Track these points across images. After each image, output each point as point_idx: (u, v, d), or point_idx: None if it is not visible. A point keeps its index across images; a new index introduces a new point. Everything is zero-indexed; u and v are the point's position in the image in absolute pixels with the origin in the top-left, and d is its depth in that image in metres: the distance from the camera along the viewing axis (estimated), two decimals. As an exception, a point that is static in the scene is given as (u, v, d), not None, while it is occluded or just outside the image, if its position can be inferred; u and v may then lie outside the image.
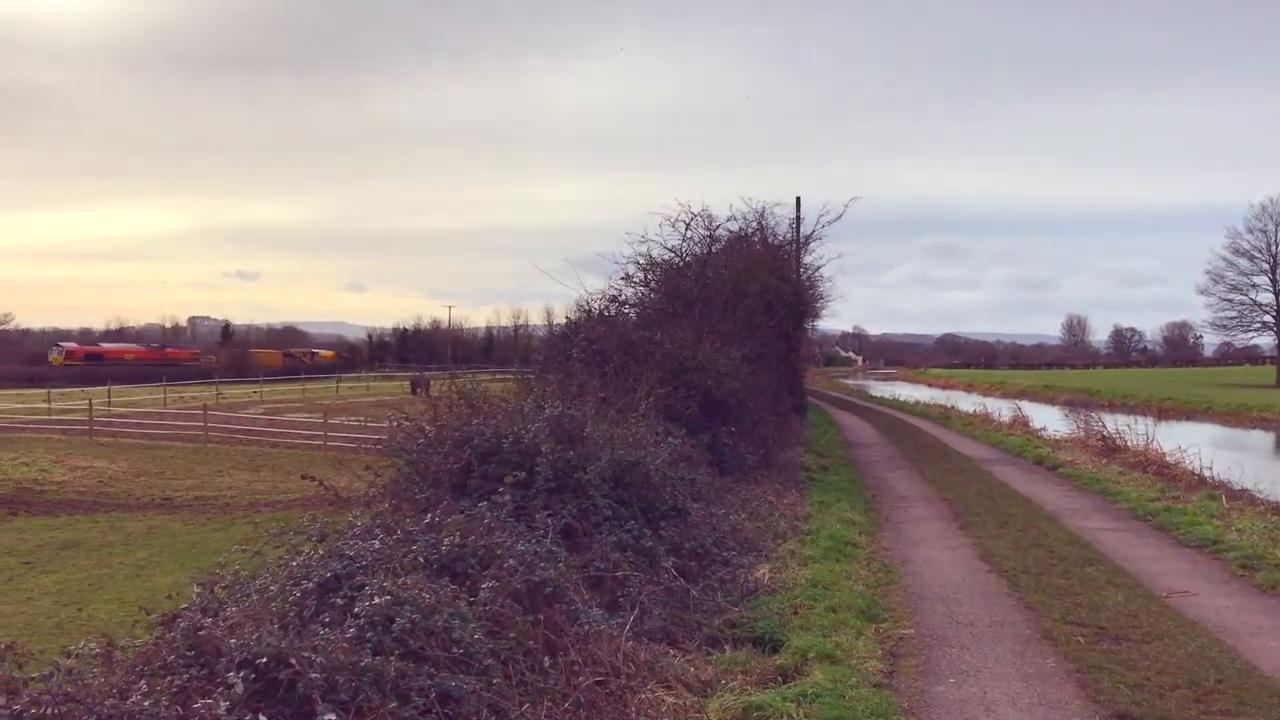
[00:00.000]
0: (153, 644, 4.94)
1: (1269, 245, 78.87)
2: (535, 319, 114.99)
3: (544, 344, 21.48)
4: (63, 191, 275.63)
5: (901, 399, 59.49)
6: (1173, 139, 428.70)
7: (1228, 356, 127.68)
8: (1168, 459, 20.76)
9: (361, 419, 34.80)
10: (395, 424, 10.54)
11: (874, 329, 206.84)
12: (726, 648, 7.68)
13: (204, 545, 16.83)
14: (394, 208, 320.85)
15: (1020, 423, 32.92)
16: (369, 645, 5.22)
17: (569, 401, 10.59)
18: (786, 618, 8.45)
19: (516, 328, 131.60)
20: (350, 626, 5.34)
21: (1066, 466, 20.64)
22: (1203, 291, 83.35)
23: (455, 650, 5.53)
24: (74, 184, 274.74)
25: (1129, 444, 23.05)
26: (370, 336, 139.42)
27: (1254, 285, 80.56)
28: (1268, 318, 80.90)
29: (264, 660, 4.63)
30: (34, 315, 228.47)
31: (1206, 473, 19.23)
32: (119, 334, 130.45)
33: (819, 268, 37.80)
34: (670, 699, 6.28)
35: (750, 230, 28.79)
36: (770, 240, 30.85)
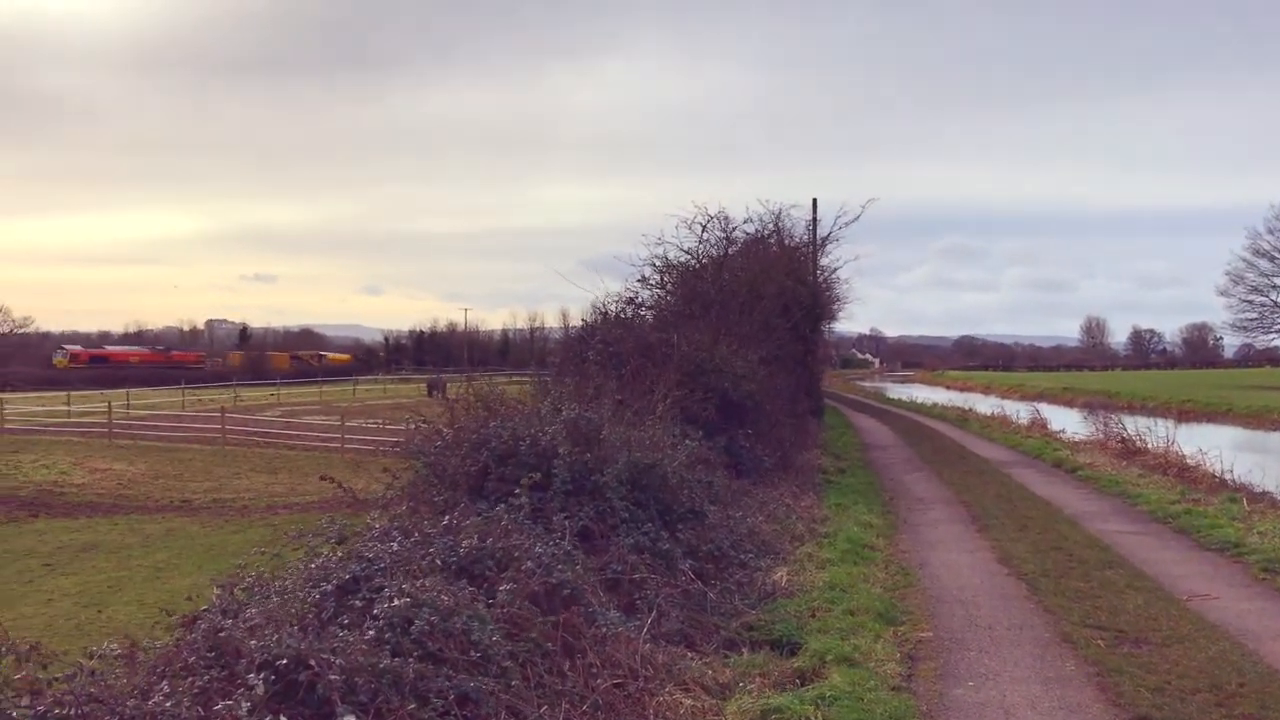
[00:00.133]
0: (173, 645, 4.96)
1: (1289, 246, 78.31)
2: (551, 321, 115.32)
3: (560, 346, 21.53)
4: (82, 195, 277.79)
5: (919, 401, 59.29)
6: (1192, 140, 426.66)
7: (1248, 358, 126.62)
8: (1188, 461, 20.61)
9: (380, 421, 34.92)
10: (413, 426, 10.57)
11: (891, 331, 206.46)
12: (744, 650, 7.66)
13: (222, 547, 16.91)
14: (411, 210, 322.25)
15: (1039, 425, 32.74)
16: (388, 647, 5.23)
17: (586, 404, 10.59)
18: (804, 620, 8.43)
19: (532, 330, 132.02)
20: (369, 628, 5.36)
21: (1086, 469, 20.53)
22: (1223, 293, 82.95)
23: (473, 652, 5.54)
24: (93, 188, 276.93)
25: (1149, 446, 22.90)
26: (387, 339, 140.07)
27: (1274, 286, 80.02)
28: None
29: (284, 662, 4.64)
30: (53, 318, 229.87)
31: (1227, 475, 19.08)
32: (137, 337, 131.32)
33: (836, 269, 37.79)
34: (688, 701, 6.27)
35: (767, 232, 28.81)
36: (787, 242, 30.84)
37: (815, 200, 35.72)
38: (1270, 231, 78.76)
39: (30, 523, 20.70)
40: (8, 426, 36.82)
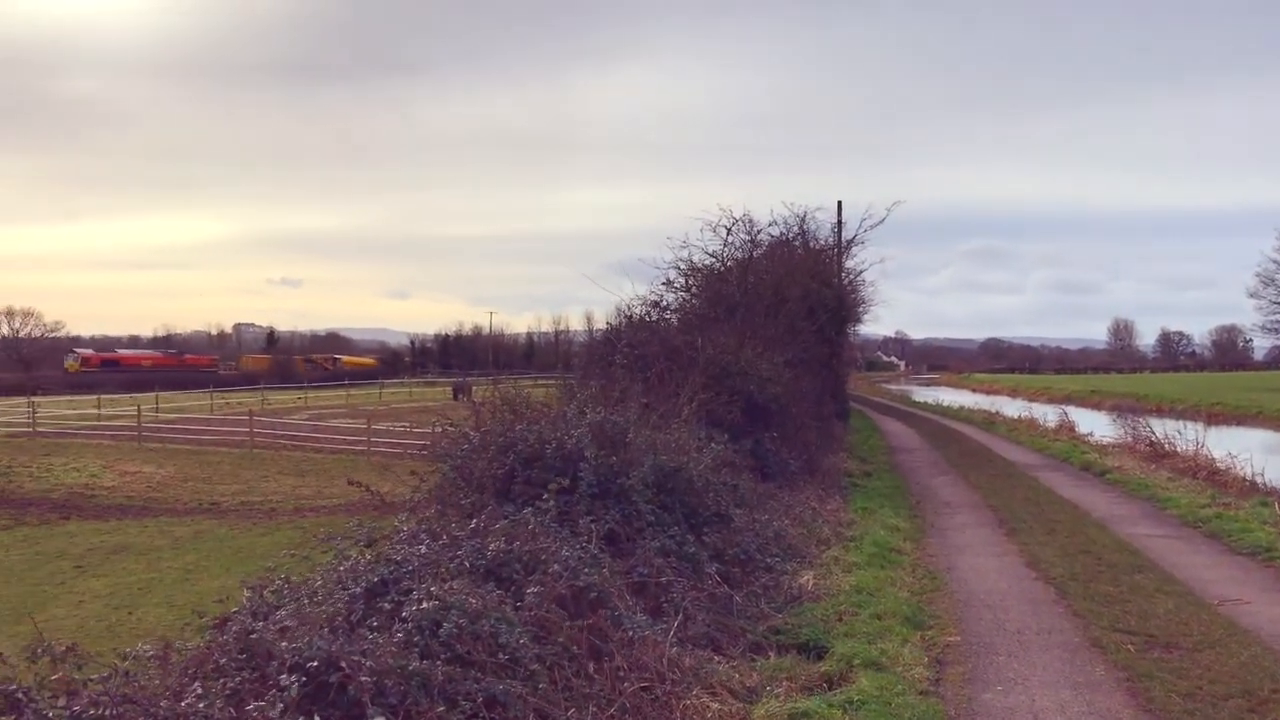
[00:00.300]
0: (205, 647, 5.01)
1: (1321, 247, 77.41)
2: (576, 324, 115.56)
3: (585, 349, 21.57)
4: (112, 200, 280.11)
5: (945, 404, 58.98)
6: (1221, 140, 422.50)
7: (1279, 360, 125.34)
8: (1218, 465, 20.42)
9: (407, 425, 35.08)
10: (439, 430, 10.61)
11: (916, 334, 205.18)
12: (771, 654, 7.65)
13: (250, 550, 17.05)
14: (437, 215, 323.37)
15: (1066, 428, 32.52)
16: (416, 649, 5.26)
17: (611, 407, 10.60)
18: (831, 624, 8.41)
19: (557, 333, 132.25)
20: (398, 631, 5.39)
21: (1114, 472, 20.37)
22: (1252, 294, 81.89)
23: (501, 655, 5.56)
24: (124, 193, 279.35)
25: (1178, 449, 22.70)
26: (413, 343, 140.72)
27: (1305, 287, 79.05)
28: (1320, 321, 79.45)
29: (315, 664, 4.68)
30: (84, 323, 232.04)
31: (1258, 479, 18.88)
32: (166, 340, 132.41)
33: (861, 272, 37.76)
34: (715, 705, 6.27)
35: (791, 235, 28.80)
36: (812, 245, 30.81)
37: (840, 203, 35.77)
38: (1302, 232, 77.86)
39: (62, 525, 20.95)
40: (39, 430, 37.20)
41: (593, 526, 8.02)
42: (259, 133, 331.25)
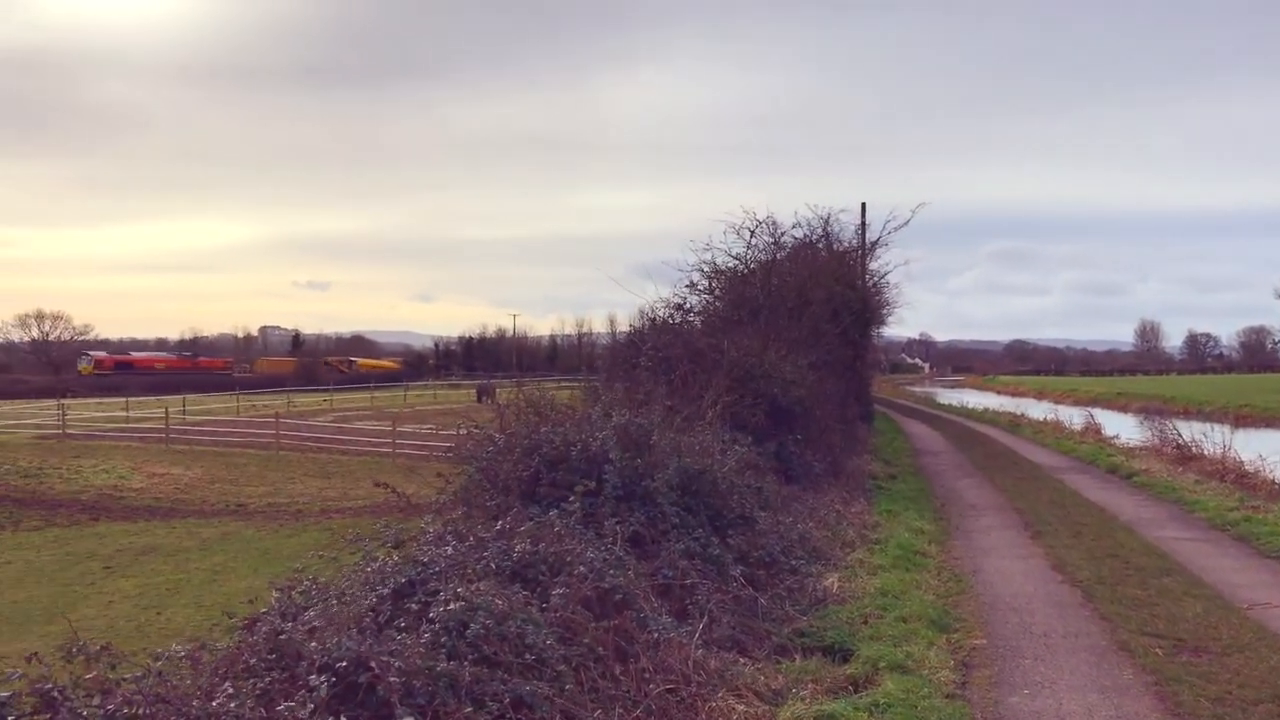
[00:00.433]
0: (235, 647, 5.06)
1: (1351, 247, 76.58)
2: (599, 327, 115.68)
3: (608, 352, 21.57)
4: (141, 204, 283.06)
5: (970, 406, 58.72)
6: (1249, 140, 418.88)
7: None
8: (1246, 467, 20.22)
9: (433, 427, 35.21)
10: (465, 432, 10.66)
11: (941, 336, 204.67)
12: (796, 657, 7.65)
13: (277, 551, 17.16)
14: (461, 218, 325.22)
15: (1092, 430, 32.30)
16: (444, 650, 5.30)
17: (635, 410, 10.62)
18: (856, 627, 8.40)
19: (580, 336, 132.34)
20: (425, 632, 5.43)
21: (1141, 475, 20.22)
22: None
23: (528, 656, 5.59)
24: (152, 197, 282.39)
25: (1205, 452, 22.50)
26: (437, 345, 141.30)
27: (1336, 289, 78.26)
28: (1350, 322, 78.57)
29: (344, 664, 4.72)
30: (112, 326, 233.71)
31: (1288, 482, 18.70)
32: (192, 343, 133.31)
33: (885, 274, 37.54)
34: (741, 707, 6.28)
35: (815, 237, 28.70)
36: (835, 247, 30.70)
37: (864, 204, 35.60)
38: (1332, 233, 76.99)
39: (91, 526, 21.15)
40: (69, 432, 37.56)
41: (618, 528, 8.05)
42: (285, 136, 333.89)
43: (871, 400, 40.21)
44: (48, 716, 3.79)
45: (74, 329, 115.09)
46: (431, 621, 5.53)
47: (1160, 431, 26.62)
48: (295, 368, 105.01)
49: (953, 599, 9.87)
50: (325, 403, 64.05)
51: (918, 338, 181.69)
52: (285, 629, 5.07)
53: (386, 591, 6.04)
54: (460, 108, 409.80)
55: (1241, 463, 20.63)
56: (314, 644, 4.88)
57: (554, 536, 7.18)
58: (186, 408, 50.11)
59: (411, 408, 59.32)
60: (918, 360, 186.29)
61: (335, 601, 5.85)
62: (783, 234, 24.56)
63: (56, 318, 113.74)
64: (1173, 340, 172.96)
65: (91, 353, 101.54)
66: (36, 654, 4.22)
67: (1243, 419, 45.75)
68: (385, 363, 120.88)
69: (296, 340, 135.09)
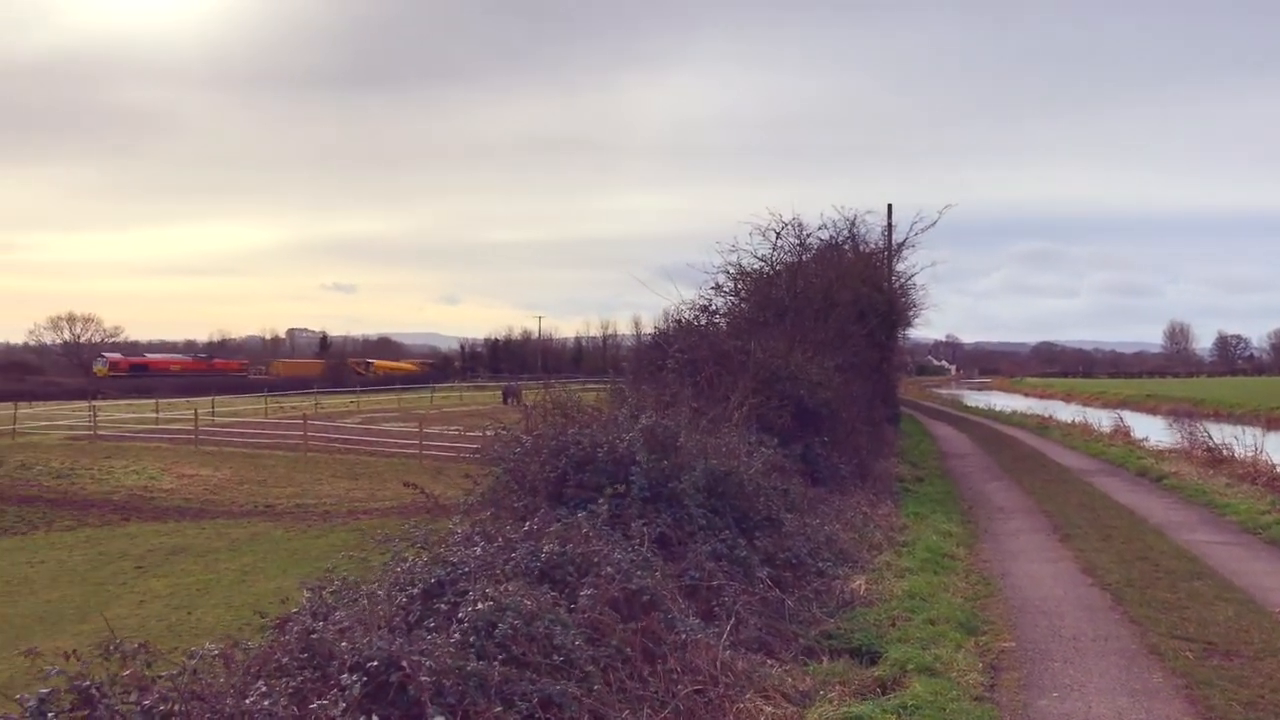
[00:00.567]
0: (268, 646, 5.11)
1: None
2: (623, 329, 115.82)
3: (634, 353, 21.61)
4: (170, 208, 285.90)
5: (997, 409, 58.40)
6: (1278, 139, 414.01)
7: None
8: (1278, 470, 20.03)
9: (459, 429, 35.32)
10: (492, 433, 10.71)
11: (968, 337, 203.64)
12: (824, 659, 7.64)
13: (305, 552, 17.28)
14: (487, 220, 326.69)
15: (1121, 433, 32.04)
16: (473, 650, 5.33)
17: (661, 411, 10.63)
18: (884, 629, 8.38)
19: (604, 338, 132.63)
20: (455, 632, 5.46)
21: (1171, 478, 20.06)
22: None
23: (556, 656, 5.62)
24: (180, 201, 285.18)
25: (1236, 455, 22.30)
26: (463, 347, 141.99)
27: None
28: (1384, 323, 77.58)
29: (375, 663, 4.76)
30: (142, 329, 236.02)
31: (1320, 485, 18.49)
32: (221, 346, 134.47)
33: (911, 275, 37.43)
34: (769, 709, 6.28)
35: (841, 238, 28.66)
36: (862, 248, 30.65)
37: (890, 206, 35.57)
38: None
39: (123, 526, 21.38)
40: (100, 433, 37.94)
41: (644, 530, 8.06)
42: (313, 140, 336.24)
43: (898, 402, 40.06)
44: (85, 713, 3.85)
45: (104, 331, 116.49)
46: (461, 621, 5.56)
47: (1190, 434, 26.40)
48: (311, 369, 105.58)
49: (981, 602, 9.83)
50: (352, 404, 64.41)
51: (944, 339, 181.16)
52: (317, 628, 5.12)
53: (416, 592, 6.08)
54: (486, 111, 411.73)
55: (1273, 466, 20.42)
56: (345, 643, 4.92)
57: (581, 538, 7.20)
58: (215, 409, 50.50)
59: (438, 409, 59.57)
60: (944, 362, 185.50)
61: (366, 601, 5.90)
62: (808, 236, 24.53)
63: (87, 320, 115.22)
64: (1203, 342, 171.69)
65: (106, 354, 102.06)
66: (75, 651, 4.29)
67: (1274, 422, 45.35)
68: (403, 364, 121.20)
69: (324, 342, 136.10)
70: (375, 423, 44.79)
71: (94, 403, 48.97)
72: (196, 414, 40.00)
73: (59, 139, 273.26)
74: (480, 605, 5.66)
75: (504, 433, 10.33)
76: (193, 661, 4.45)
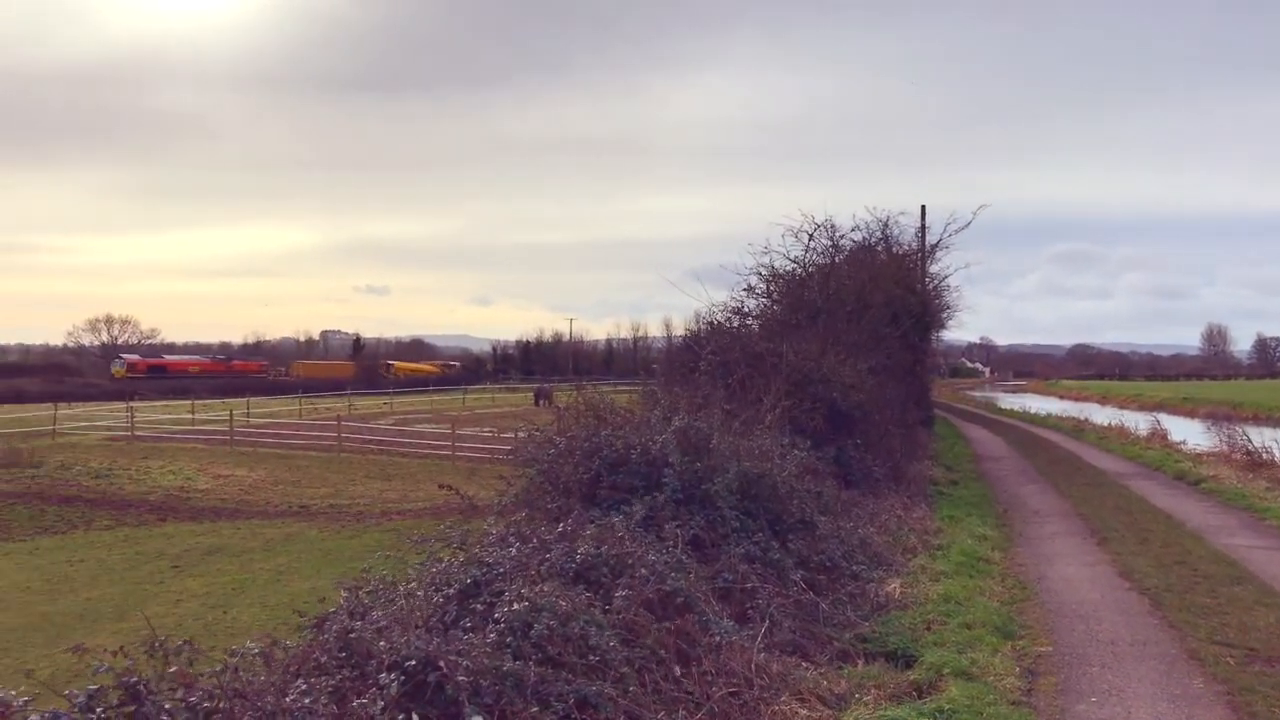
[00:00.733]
0: (307, 645, 5.16)
1: None
2: (654, 331, 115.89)
3: (666, 355, 21.60)
4: (205, 211, 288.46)
5: (1031, 411, 57.93)
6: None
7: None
8: (1320, 475, 19.79)
9: (492, 430, 35.46)
10: (525, 435, 10.75)
11: (1002, 339, 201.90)
12: (859, 662, 7.61)
13: (339, 552, 17.41)
14: (519, 222, 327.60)
15: (1158, 436, 31.72)
16: (509, 650, 5.36)
17: (694, 413, 10.63)
18: (919, 633, 8.34)
19: (635, 340, 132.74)
20: (491, 632, 5.49)
21: (1209, 482, 19.83)
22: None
23: (591, 657, 5.64)
24: (216, 203, 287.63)
25: (1276, 459, 22.04)
26: (495, 349, 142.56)
27: None
28: None
29: (413, 663, 4.80)
30: (178, 330, 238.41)
31: (1363, 489, 18.24)
32: (255, 348, 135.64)
33: (945, 277, 37.19)
34: (804, 712, 6.27)
35: (874, 240, 28.54)
36: (895, 250, 30.49)
37: (924, 207, 35.41)
38: None
39: (159, 526, 21.62)
40: (137, 434, 38.38)
41: (678, 532, 8.07)
42: (346, 143, 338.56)
43: (932, 405, 39.82)
44: (133, 708, 3.90)
45: (141, 333, 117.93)
46: (497, 622, 5.60)
47: (1229, 437, 26.11)
48: (333, 370, 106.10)
49: (1017, 605, 9.76)
50: (385, 405, 64.81)
51: (978, 341, 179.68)
52: (355, 628, 5.16)
53: (452, 592, 6.12)
54: (518, 113, 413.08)
55: (1314, 470, 20.18)
56: (383, 643, 4.96)
57: (616, 539, 7.22)
58: (251, 410, 50.97)
59: (470, 411, 59.84)
60: (978, 364, 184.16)
61: (403, 601, 5.94)
62: (841, 237, 24.40)
63: (125, 322, 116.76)
64: (1241, 344, 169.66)
65: (124, 355, 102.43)
66: (123, 648, 4.36)
67: (1315, 425, 44.62)
68: (424, 366, 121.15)
69: (357, 344, 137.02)
70: (408, 424, 45.04)
71: (131, 404, 49.51)
72: (232, 415, 40.39)
73: (98, 143, 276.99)
74: (516, 605, 5.69)
75: (537, 434, 10.36)
76: (234, 659, 4.50)
